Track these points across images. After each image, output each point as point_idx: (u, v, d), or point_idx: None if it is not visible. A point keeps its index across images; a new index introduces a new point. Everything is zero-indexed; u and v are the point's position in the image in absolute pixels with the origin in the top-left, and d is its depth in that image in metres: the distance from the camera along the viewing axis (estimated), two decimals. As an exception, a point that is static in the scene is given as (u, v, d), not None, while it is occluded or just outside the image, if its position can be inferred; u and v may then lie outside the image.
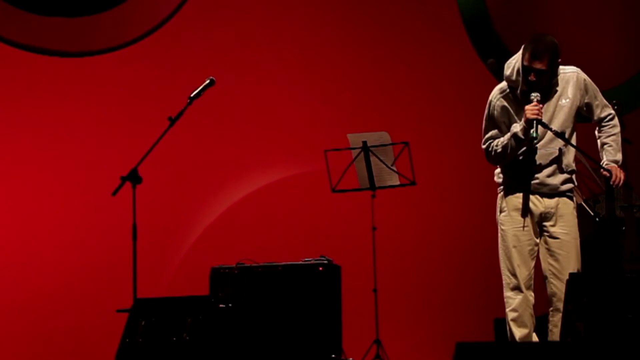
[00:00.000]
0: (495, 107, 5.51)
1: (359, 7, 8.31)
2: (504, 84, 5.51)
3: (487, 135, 5.54)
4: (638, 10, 8.53)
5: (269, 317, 6.35)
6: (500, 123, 5.50)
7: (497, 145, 5.46)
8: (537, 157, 5.43)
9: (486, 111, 5.55)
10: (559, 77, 5.44)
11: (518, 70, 5.38)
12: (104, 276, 7.74)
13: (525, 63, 5.32)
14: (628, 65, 8.48)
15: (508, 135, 5.41)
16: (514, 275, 5.46)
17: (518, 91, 5.41)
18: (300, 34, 8.25)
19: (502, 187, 5.57)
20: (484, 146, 5.55)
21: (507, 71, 5.46)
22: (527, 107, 5.31)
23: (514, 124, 5.41)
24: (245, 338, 6.30)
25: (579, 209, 5.70)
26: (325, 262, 6.44)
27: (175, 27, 8.11)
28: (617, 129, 5.55)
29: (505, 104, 5.48)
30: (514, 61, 5.44)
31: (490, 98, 5.55)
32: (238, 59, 8.12)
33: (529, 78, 5.32)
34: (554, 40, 5.37)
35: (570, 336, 4.84)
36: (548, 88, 5.39)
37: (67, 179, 7.88)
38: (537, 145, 5.41)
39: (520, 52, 5.39)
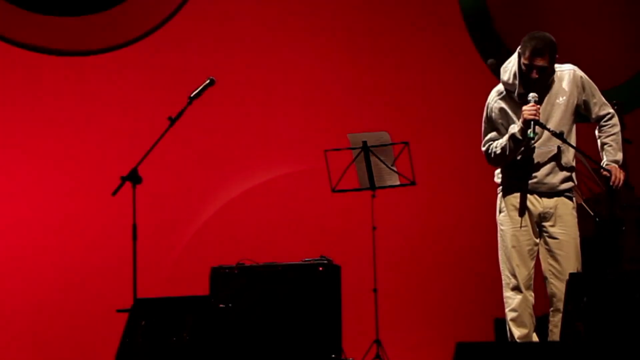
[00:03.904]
0: (493, 110, 5.52)
1: (359, 7, 8.31)
2: (501, 86, 5.52)
3: (486, 138, 5.55)
4: (638, 10, 8.53)
5: (269, 317, 6.35)
6: (498, 125, 5.50)
7: (496, 147, 5.46)
8: (535, 155, 5.44)
9: (484, 114, 5.56)
10: (555, 76, 5.45)
11: (515, 74, 5.39)
12: (104, 276, 7.74)
13: (525, 62, 5.32)
14: (628, 65, 8.48)
15: (506, 136, 5.42)
16: (514, 275, 5.46)
17: (515, 94, 5.42)
18: (300, 34, 8.25)
19: (501, 187, 5.58)
20: (483, 148, 5.55)
21: (504, 76, 5.46)
22: (524, 107, 5.32)
23: (512, 125, 5.41)
24: (245, 338, 6.30)
25: (579, 209, 5.70)
26: (325, 262, 6.44)
27: (176, 27, 8.11)
28: (617, 129, 5.55)
29: (503, 105, 5.48)
30: (510, 65, 5.44)
31: (488, 101, 5.56)
32: (238, 59, 8.12)
33: (532, 76, 5.32)
34: (550, 36, 5.38)
35: (570, 336, 4.84)
36: (545, 84, 5.40)
37: (66, 179, 7.88)
38: (535, 144, 5.41)
39: (516, 53, 5.40)
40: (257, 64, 8.16)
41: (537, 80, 5.34)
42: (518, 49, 5.40)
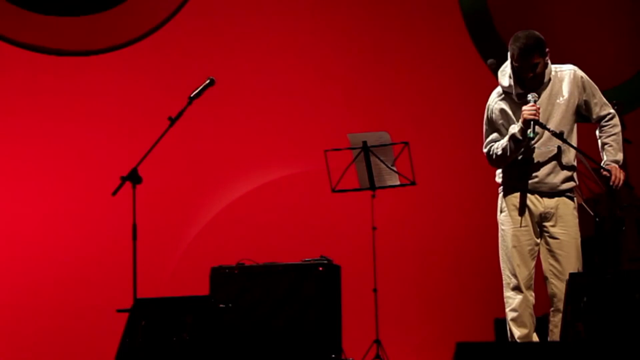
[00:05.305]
0: (494, 111, 5.52)
1: (359, 7, 8.31)
2: (500, 87, 5.53)
3: (487, 139, 5.55)
4: (638, 10, 8.53)
5: (269, 317, 6.36)
6: (499, 126, 5.51)
7: (497, 148, 5.46)
8: (535, 155, 5.44)
9: (485, 115, 5.57)
10: (556, 75, 5.45)
11: (510, 76, 5.40)
12: (104, 276, 7.74)
13: (516, 64, 5.33)
14: (628, 65, 8.48)
15: (506, 137, 5.42)
16: (514, 275, 5.46)
17: (513, 95, 5.42)
18: (300, 34, 8.25)
19: (502, 187, 5.58)
20: (485, 150, 5.55)
21: (503, 81, 5.47)
22: (524, 107, 5.32)
23: (512, 126, 5.41)
24: (245, 338, 6.30)
25: (580, 209, 5.70)
26: (325, 262, 6.45)
27: (176, 27, 8.11)
28: (618, 129, 5.55)
29: (504, 106, 5.49)
30: (507, 68, 5.45)
31: (488, 102, 5.57)
32: (238, 59, 8.12)
33: (527, 76, 5.33)
34: (534, 32, 5.38)
35: (570, 336, 4.84)
36: (541, 80, 5.39)
37: (67, 179, 7.88)
38: (536, 144, 5.42)
39: (508, 56, 5.41)
40: (257, 64, 8.16)
41: (533, 79, 5.35)
42: (509, 52, 5.41)
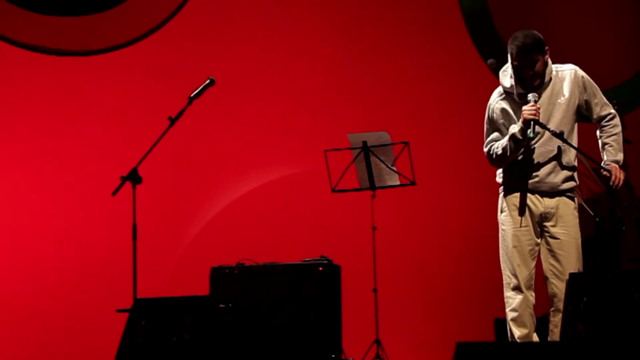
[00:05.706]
0: (495, 110, 5.52)
1: (359, 7, 8.31)
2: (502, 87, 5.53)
3: (488, 139, 5.55)
4: (638, 11, 8.53)
5: (269, 317, 6.36)
6: (500, 125, 5.51)
7: (497, 148, 5.46)
8: (535, 155, 5.44)
9: (486, 115, 5.57)
10: (556, 75, 5.45)
11: (511, 76, 5.40)
12: (104, 276, 7.74)
13: (515, 63, 5.34)
14: (628, 65, 8.48)
15: (507, 137, 5.42)
16: (514, 275, 5.46)
17: (515, 95, 5.42)
18: (300, 34, 8.25)
19: (502, 187, 5.58)
20: (485, 149, 5.55)
21: (505, 82, 5.47)
22: (524, 107, 5.33)
23: (512, 125, 5.42)
24: (246, 338, 6.30)
25: (580, 209, 5.71)
26: (325, 262, 6.45)
27: (176, 27, 8.11)
28: (618, 129, 5.55)
29: (505, 106, 5.49)
30: (509, 68, 5.45)
31: (489, 102, 5.57)
32: (238, 59, 8.12)
33: (527, 74, 5.33)
34: (532, 31, 5.39)
35: (570, 336, 4.84)
36: (542, 79, 5.40)
37: (67, 179, 7.88)
38: (536, 144, 5.42)
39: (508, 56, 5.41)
40: (257, 64, 8.16)
41: (533, 77, 5.35)
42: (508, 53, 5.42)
